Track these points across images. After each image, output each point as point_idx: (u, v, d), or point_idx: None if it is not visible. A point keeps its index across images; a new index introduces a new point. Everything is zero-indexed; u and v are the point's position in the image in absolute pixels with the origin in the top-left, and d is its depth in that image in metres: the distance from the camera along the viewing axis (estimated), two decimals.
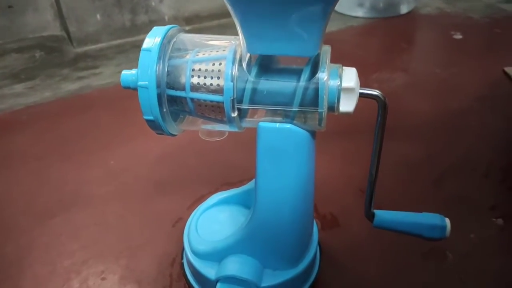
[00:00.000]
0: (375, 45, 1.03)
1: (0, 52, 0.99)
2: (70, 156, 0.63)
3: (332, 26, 1.08)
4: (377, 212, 0.35)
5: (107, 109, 0.74)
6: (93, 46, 1.00)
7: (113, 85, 0.82)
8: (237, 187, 0.46)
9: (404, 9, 1.17)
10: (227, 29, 1.08)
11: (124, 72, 0.32)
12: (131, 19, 1.01)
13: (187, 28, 1.08)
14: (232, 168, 0.58)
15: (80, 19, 0.96)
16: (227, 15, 1.10)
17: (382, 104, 0.30)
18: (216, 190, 0.52)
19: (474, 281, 0.43)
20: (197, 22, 1.10)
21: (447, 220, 0.34)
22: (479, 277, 0.43)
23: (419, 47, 1.04)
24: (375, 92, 0.30)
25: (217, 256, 0.39)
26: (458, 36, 1.01)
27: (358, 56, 0.94)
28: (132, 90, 0.33)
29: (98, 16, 0.97)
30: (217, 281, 0.38)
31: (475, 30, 1.06)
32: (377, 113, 0.31)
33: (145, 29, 1.03)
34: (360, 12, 1.16)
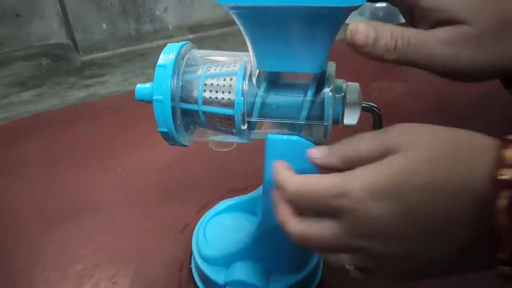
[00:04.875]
0: None
1: (7, 60, 1.00)
2: (78, 163, 0.64)
3: None
4: None
5: (114, 117, 0.76)
6: (99, 54, 1.01)
7: (120, 93, 0.84)
8: (242, 194, 0.47)
9: (403, 18, 1.19)
10: (229, 37, 1.09)
11: (139, 86, 0.34)
12: (136, 28, 1.03)
13: (190, 36, 1.10)
14: (237, 176, 0.60)
15: (86, 27, 0.98)
16: (230, 23, 1.13)
17: (376, 116, 0.33)
18: (222, 196, 0.53)
19: None
20: (201, 31, 1.11)
21: None
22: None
23: None
24: (370, 105, 0.33)
25: (225, 261, 0.41)
26: None
27: (359, 65, 0.95)
28: (146, 103, 0.34)
29: (104, 25, 0.99)
30: (225, 285, 0.39)
31: None
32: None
33: (149, 37, 1.05)
34: None
